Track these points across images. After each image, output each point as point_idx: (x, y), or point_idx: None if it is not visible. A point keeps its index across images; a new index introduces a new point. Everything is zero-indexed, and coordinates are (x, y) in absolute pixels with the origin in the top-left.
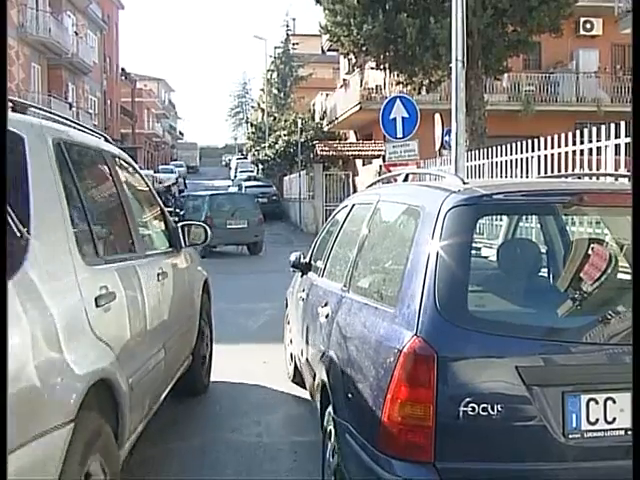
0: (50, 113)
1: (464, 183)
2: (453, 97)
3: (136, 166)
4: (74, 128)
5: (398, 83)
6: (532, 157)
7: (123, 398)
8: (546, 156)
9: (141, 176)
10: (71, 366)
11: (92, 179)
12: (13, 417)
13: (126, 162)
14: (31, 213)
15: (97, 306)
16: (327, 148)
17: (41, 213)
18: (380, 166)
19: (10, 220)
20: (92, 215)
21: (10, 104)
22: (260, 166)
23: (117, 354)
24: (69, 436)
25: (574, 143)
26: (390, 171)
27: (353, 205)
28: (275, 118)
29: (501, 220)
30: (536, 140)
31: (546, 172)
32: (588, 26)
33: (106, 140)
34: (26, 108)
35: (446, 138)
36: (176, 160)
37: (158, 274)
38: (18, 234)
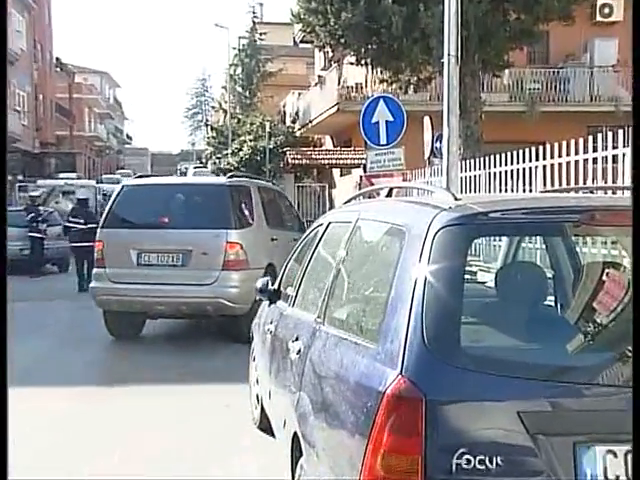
0: (248, 177)
1: (456, 199)
2: (445, 97)
3: (276, 188)
4: (254, 179)
5: (382, 81)
6: (536, 167)
7: (276, 267)
8: (553, 166)
9: (279, 192)
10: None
11: (266, 198)
12: None
13: (271, 189)
14: (254, 209)
15: (271, 241)
16: (300, 156)
17: (258, 211)
18: (360, 177)
19: (250, 215)
20: (267, 211)
21: (233, 176)
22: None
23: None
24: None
25: (586, 150)
26: (372, 184)
27: (329, 223)
28: (239, 120)
29: (500, 240)
30: (541, 147)
31: (553, 185)
32: (606, 10)
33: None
34: (244, 176)
35: (437, 145)
36: (123, 168)
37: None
38: (250, 220)
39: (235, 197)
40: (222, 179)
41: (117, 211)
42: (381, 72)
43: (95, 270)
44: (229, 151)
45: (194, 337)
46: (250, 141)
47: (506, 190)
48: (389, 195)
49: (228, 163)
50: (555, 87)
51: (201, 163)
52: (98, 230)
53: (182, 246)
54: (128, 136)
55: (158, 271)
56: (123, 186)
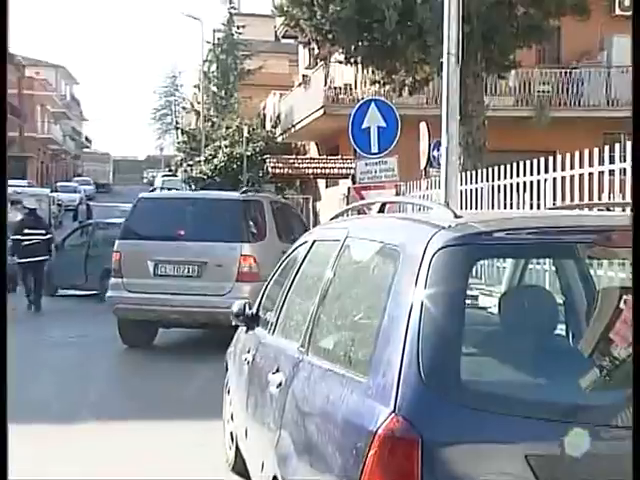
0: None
1: (456, 216)
2: (444, 101)
3: (286, 201)
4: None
5: (373, 82)
6: (546, 180)
7: None
8: (564, 179)
9: (289, 205)
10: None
11: (277, 212)
12: None
13: (281, 202)
14: (267, 223)
15: (282, 254)
16: (281, 164)
17: (270, 225)
18: (349, 189)
19: (262, 229)
20: (278, 225)
21: (247, 191)
22: (194, 186)
23: None
24: None
25: (602, 162)
26: (361, 196)
27: (314, 242)
28: (214, 124)
29: (504, 261)
30: (551, 157)
31: (564, 200)
32: (627, 3)
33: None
34: (258, 192)
35: (434, 153)
36: (81, 175)
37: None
38: (263, 234)
39: (249, 211)
40: (236, 194)
41: (134, 223)
42: (373, 72)
43: (112, 280)
44: (202, 158)
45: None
46: (226, 147)
47: (511, 206)
48: (381, 211)
49: (201, 171)
50: (567, 89)
51: (170, 171)
52: (116, 241)
53: (198, 258)
54: (87, 139)
55: (174, 281)
56: (140, 199)
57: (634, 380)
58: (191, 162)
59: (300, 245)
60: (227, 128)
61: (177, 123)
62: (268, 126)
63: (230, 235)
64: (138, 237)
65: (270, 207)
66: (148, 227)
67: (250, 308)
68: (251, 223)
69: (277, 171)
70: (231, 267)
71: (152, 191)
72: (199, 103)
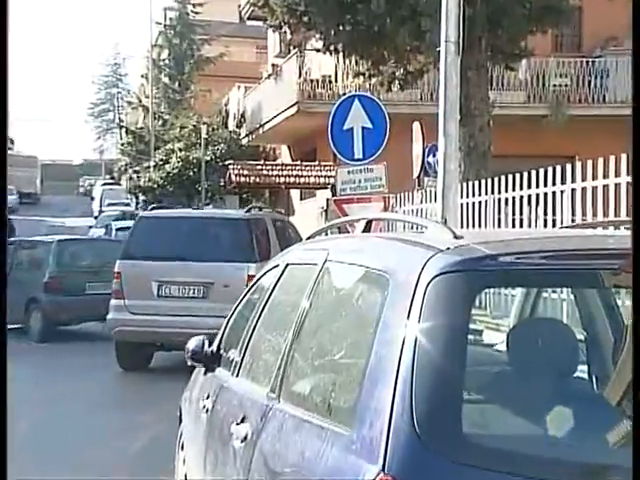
0: (259, 208)
1: (456, 236)
2: (441, 97)
3: (284, 218)
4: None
5: (358, 74)
6: (563, 192)
7: None
8: (585, 190)
9: (288, 222)
10: None
11: (279, 231)
12: None
13: (281, 220)
14: (271, 242)
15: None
16: (247, 172)
17: (274, 243)
18: (328, 202)
19: (267, 248)
20: (281, 244)
21: (250, 209)
22: (142, 197)
23: None
24: None
25: (630, 170)
26: (343, 212)
27: (287, 266)
28: (165, 122)
29: (514, 290)
30: (570, 165)
31: (584, 216)
32: None
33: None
34: (260, 209)
35: (430, 160)
36: None
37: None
38: (268, 253)
39: (254, 231)
40: (240, 212)
41: (136, 243)
42: (356, 62)
43: (113, 302)
44: (151, 163)
45: None
46: (180, 150)
47: (522, 223)
48: (367, 229)
49: (150, 179)
50: (589, 83)
51: (112, 179)
52: (117, 262)
53: (203, 278)
54: (10, 140)
55: (179, 303)
56: (140, 217)
57: (634, 382)
58: (138, 168)
59: (270, 270)
60: (182, 128)
61: (121, 121)
62: (231, 126)
63: (236, 255)
64: (140, 257)
65: (272, 225)
66: (150, 247)
67: (210, 345)
68: (256, 242)
69: (242, 179)
70: (238, 288)
71: (92, 199)
72: (147, 97)
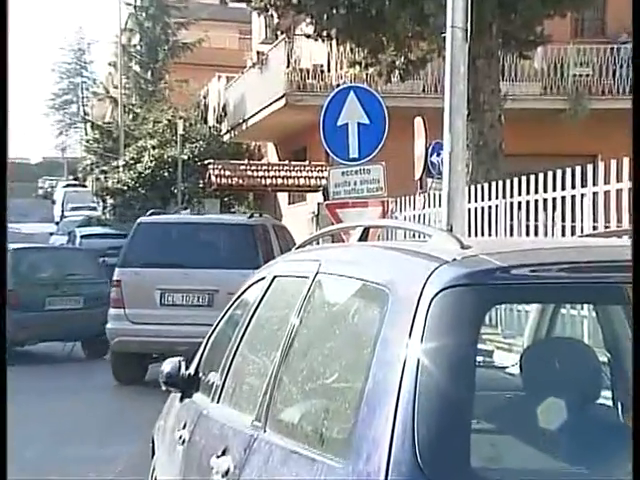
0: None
1: (463, 246)
2: (447, 89)
3: (281, 224)
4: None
5: (353, 63)
6: (584, 195)
7: None
8: (608, 194)
9: (285, 229)
10: None
11: (279, 237)
12: None
13: (280, 226)
14: (274, 248)
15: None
16: (229, 172)
17: (277, 250)
18: (319, 206)
19: (271, 254)
20: (282, 250)
21: (253, 215)
22: (110, 200)
23: None
24: None
25: None
26: (337, 218)
27: (274, 278)
28: (137, 116)
29: (528, 306)
30: (591, 165)
31: (608, 222)
32: None
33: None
34: (260, 215)
35: (434, 159)
36: None
37: None
38: (270, 256)
39: (258, 236)
40: (242, 218)
41: (135, 250)
42: (352, 50)
43: (112, 311)
44: (121, 162)
45: None
46: (153, 148)
47: (537, 231)
48: (364, 237)
49: (119, 181)
50: (614, 72)
51: (76, 179)
52: (116, 269)
53: (208, 286)
54: None
55: (183, 311)
56: (140, 223)
57: (634, 380)
58: (105, 168)
59: (255, 283)
60: (155, 122)
61: (85, 114)
62: (211, 120)
63: (241, 261)
64: (141, 264)
65: (274, 231)
66: (151, 254)
67: (187, 367)
68: (261, 248)
69: (223, 181)
70: None
71: (53, 203)
72: (116, 87)
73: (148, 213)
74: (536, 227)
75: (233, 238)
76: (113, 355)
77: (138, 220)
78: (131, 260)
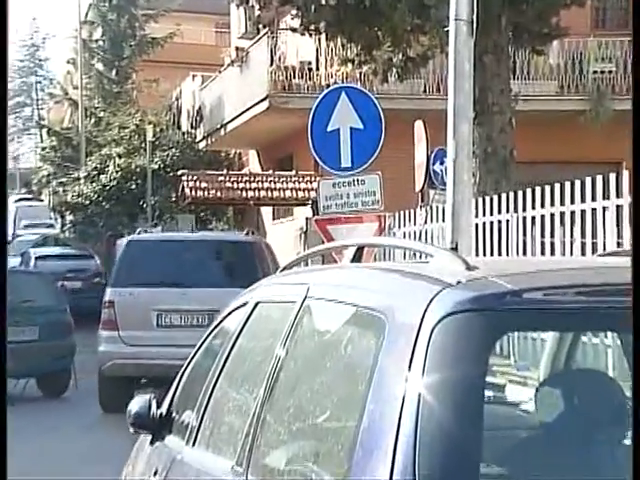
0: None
1: (469, 267)
2: (451, 89)
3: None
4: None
5: (345, 61)
6: (605, 208)
7: None
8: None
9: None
10: None
11: (270, 255)
12: None
13: (267, 243)
14: (271, 267)
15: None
16: (204, 184)
17: (273, 268)
18: (307, 221)
19: (267, 273)
20: (273, 267)
21: (249, 232)
22: (69, 217)
23: None
24: None
25: None
26: (328, 236)
27: (256, 304)
28: (100, 121)
29: (544, 333)
30: (614, 174)
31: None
32: None
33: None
34: (253, 233)
35: (436, 168)
36: None
37: None
38: (267, 275)
39: (258, 254)
40: (237, 235)
41: (128, 269)
42: (343, 46)
43: (104, 333)
44: (82, 173)
45: None
46: (119, 157)
47: (553, 249)
48: (357, 258)
49: (80, 194)
50: None
51: (30, 193)
52: (107, 290)
53: (207, 306)
54: None
55: (182, 333)
56: (130, 241)
57: (633, 380)
58: (64, 179)
59: (235, 309)
60: (121, 128)
61: (41, 118)
62: (185, 126)
63: (240, 280)
64: (135, 284)
65: (267, 249)
66: (145, 273)
67: (158, 405)
68: (260, 266)
69: (198, 194)
70: None
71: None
72: (76, 88)
73: (137, 231)
74: (552, 245)
75: (232, 256)
76: (103, 380)
77: (128, 238)
78: (124, 280)
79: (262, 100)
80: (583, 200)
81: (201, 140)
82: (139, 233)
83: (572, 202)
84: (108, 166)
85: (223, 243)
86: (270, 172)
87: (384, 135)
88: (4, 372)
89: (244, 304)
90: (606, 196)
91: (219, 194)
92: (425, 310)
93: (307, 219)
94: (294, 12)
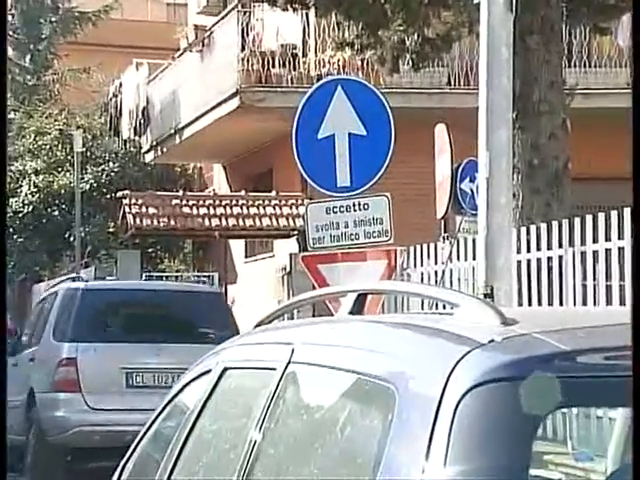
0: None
1: (505, 321)
2: (482, 82)
3: None
4: None
5: (341, 44)
6: None
7: None
8: None
9: None
10: None
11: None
12: None
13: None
14: (236, 322)
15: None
16: (153, 209)
17: (236, 320)
18: (292, 258)
19: (235, 325)
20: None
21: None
22: None
23: None
24: None
25: None
26: (320, 277)
27: (224, 371)
28: (11, 124)
29: (611, 409)
30: None
31: None
32: None
33: None
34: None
35: (464, 187)
36: None
37: None
38: (236, 331)
39: (222, 305)
40: (206, 286)
41: (86, 322)
42: (339, 25)
43: (62, 396)
44: None
45: None
46: (37, 173)
47: (622, 296)
48: (359, 308)
49: None
50: None
51: None
52: (64, 345)
53: (182, 364)
54: None
55: (156, 395)
56: (84, 291)
57: (634, 381)
58: None
59: (194, 379)
60: (39, 134)
61: None
62: (126, 131)
63: (215, 334)
64: (97, 339)
65: (225, 299)
66: (109, 326)
67: None
68: (232, 318)
69: (145, 222)
70: None
71: None
72: None
73: (68, 277)
74: (622, 289)
75: (203, 307)
76: (60, 452)
77: (82, 286)
78: (82, 334)
79: (231, 97)
80: None
81: (148, 151)
82: (74, 280)
83: None
84: (21, 186)
85: (192, 294)
86: (242, 193)
87: (394, 143)
88: (4, 372)
89: (207, 372)
90: None
91: (173, 222)
92: (447, 379)
93: (291, 255)
94: None
